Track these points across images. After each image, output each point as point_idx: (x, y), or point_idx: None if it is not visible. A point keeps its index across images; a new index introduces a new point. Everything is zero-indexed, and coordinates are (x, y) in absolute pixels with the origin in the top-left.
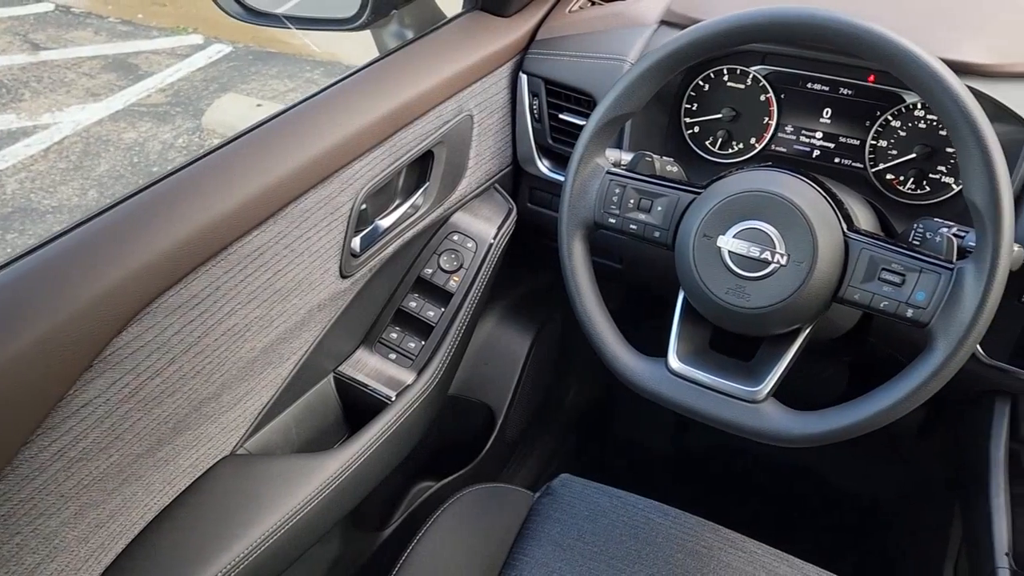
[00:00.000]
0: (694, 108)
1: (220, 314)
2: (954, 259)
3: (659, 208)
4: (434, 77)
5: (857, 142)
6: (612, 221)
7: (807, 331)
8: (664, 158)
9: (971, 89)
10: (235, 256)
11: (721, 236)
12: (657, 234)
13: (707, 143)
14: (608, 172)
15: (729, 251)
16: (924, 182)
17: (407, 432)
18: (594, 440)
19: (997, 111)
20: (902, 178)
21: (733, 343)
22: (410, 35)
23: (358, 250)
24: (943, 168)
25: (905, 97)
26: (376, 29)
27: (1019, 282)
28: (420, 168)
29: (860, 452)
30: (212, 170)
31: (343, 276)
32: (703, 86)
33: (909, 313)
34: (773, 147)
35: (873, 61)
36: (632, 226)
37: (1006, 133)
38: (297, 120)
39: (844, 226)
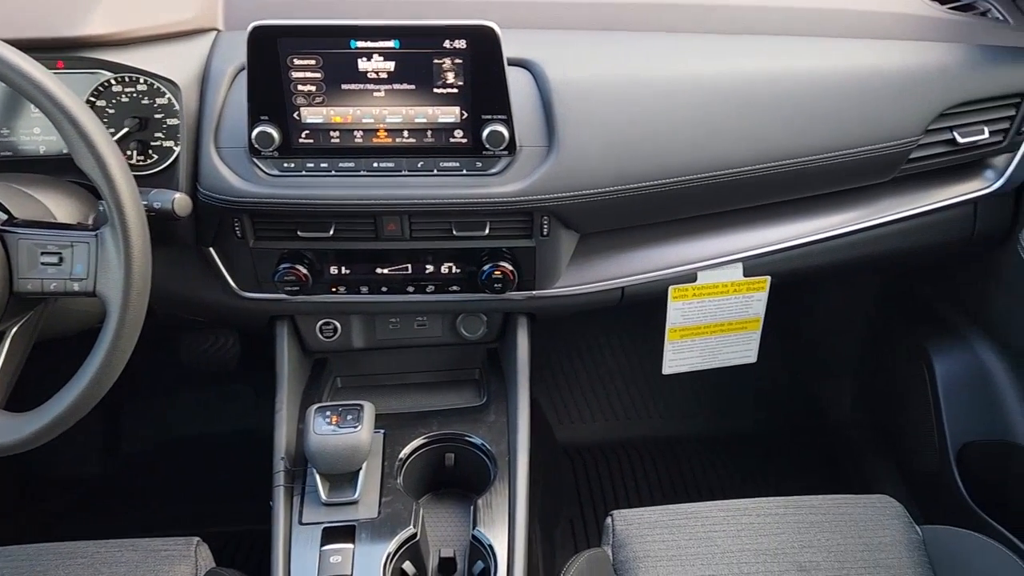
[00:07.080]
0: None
1: None
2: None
3: None
4: None
5: None
6: None
7: (12, 333)
8: None
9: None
10: None
11: None
12: None
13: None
14: None
15: None
16: (149, 151)
17: None
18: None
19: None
20: (128, 152)
21: None
22: None
23: None
24: (160, 134)
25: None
26: None
27: (200, 226)
28: None
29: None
30: None
31: None
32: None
33: (76, 287)
34: None
35: None
36: None
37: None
38: None
39: None
